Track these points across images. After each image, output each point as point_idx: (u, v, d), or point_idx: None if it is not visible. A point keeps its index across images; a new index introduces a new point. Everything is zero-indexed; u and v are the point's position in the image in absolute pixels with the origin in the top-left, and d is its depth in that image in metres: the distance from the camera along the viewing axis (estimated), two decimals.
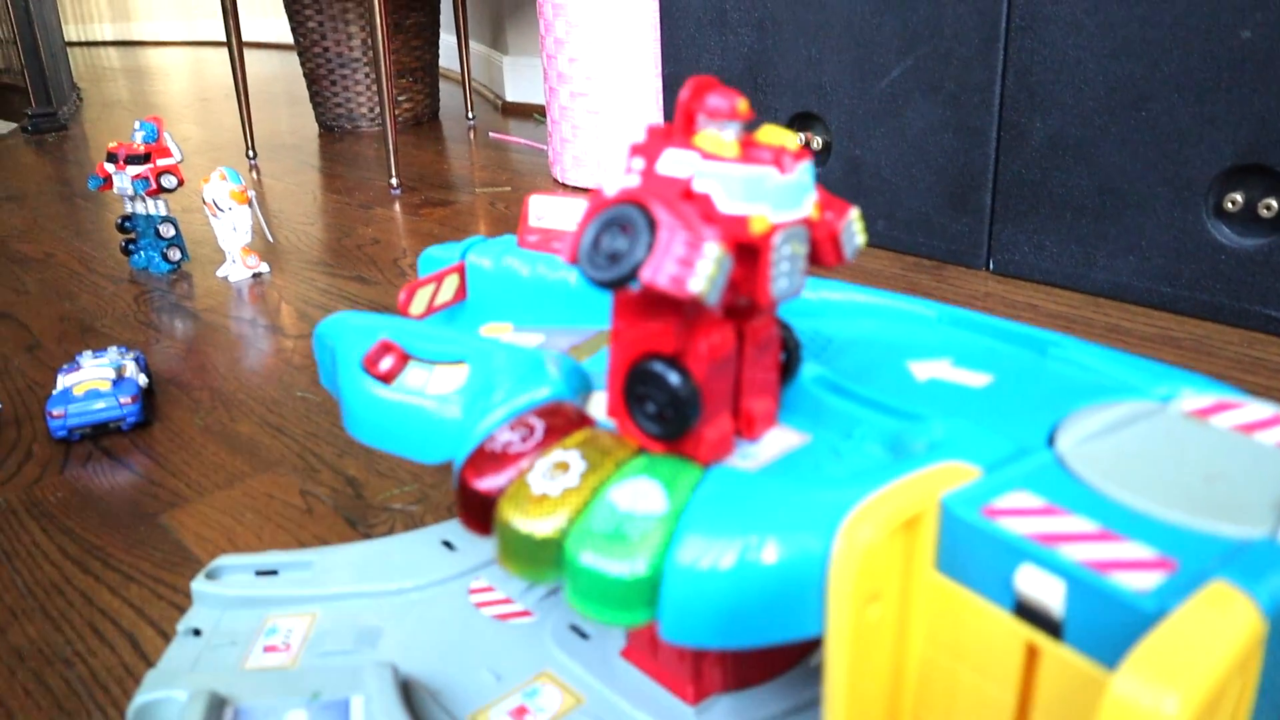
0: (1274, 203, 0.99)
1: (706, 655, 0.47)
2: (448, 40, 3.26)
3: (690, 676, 0.48)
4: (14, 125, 2.75)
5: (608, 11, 1.61)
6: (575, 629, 0.54)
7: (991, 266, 1.26)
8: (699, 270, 0.35)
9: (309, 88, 2.56)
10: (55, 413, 0.85)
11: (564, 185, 1.74)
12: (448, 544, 0.62)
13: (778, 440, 0.43)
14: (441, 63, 3.23)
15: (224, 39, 2.10)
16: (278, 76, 3.66)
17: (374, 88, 2.49)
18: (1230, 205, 1.02)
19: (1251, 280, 1.02)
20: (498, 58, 2.82)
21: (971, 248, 1.27)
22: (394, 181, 1.80)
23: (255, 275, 1.34)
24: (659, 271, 0.36)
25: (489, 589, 0.58)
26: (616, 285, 0.37)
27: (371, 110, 2.52)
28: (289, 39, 2.50)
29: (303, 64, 2.53)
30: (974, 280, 1.22)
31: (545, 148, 1.90)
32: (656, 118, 1.63)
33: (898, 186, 1.34)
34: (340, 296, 1.23)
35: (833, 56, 1.36)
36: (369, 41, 2.42)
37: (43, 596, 0.65)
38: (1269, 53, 0.96)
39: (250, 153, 2.14)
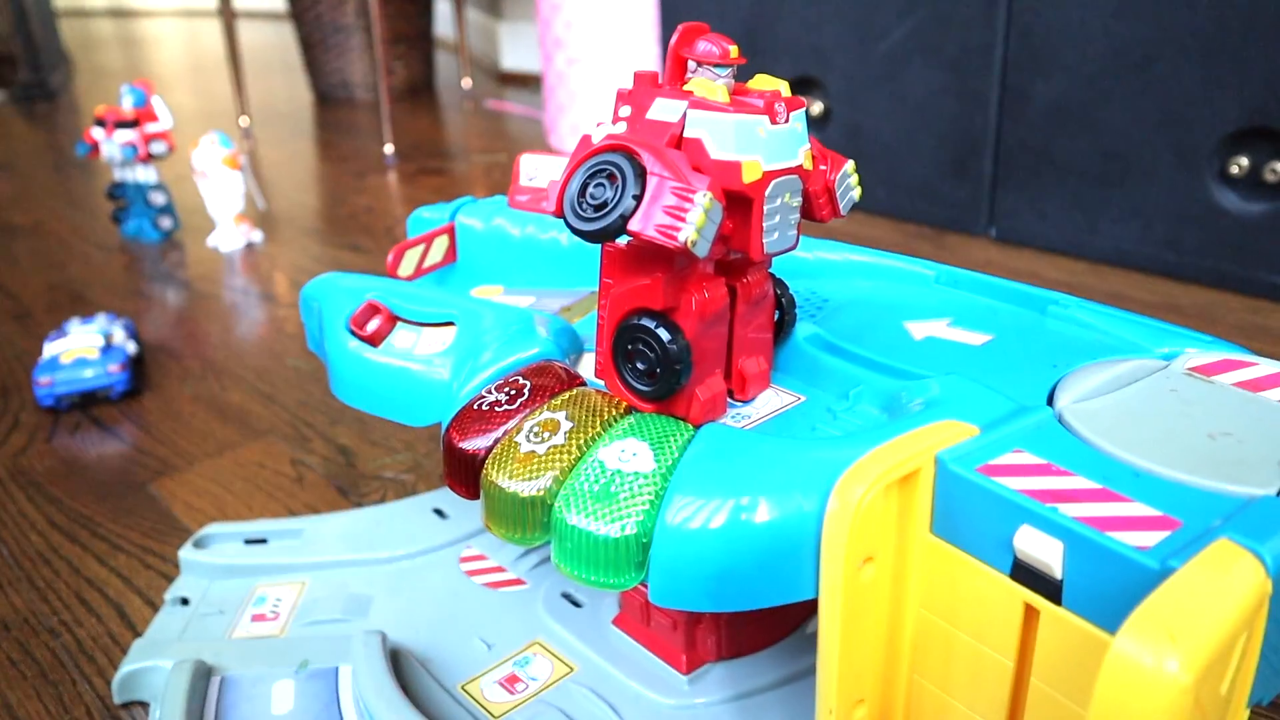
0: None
1: (699, 623, 0.46)
2: (444, 8, 3.23)
3: (683, 645, 0.47)
4: (3, 93, 2.72)
5: None
6: (568, 597, 0.53)
7: (993, 233, 1.24)
8: (689, 219, 0.34)
9: (303, 55, 2.53)
10: (42, 380, 0.84)
11: (561, 154, 1.72)
12: (439, 512, 0.62)
13: (772, 401, 0.42)
14: (438, 30, 3.20)
15: (218, 6, 2.07)
16: (273, 45, 3.63)
17: (368, 55, 2.46)
18: (1236, 169, 1.00)
19: (1257, 246, 1.01)
20: (494, 24, 2.79)
21: (972, 214, 1.26)
22: (388, 149, 1.78)
23: (248, 243, 1.33)
24: (648, 221, 0.35)
25: (481, 557, 0.57)
26: (603, 237, 0.36)
27: (366, 78, 2.49)
28: (284, 6, 2.47)
29: (297, 30, 2.50)
30: (975, 247, 1.21)
31: (541, 115, 1.87)
32: None
33: (898, 152, 1.32)
34: (333, 265, 1.22)
35: (832, 19, 1.34)
36: (363, 7, 2.39)
37: (29, 566, 0.64)
38: (1276, 13, 0.94)
39: (244, 120, 2.12)
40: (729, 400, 0.42)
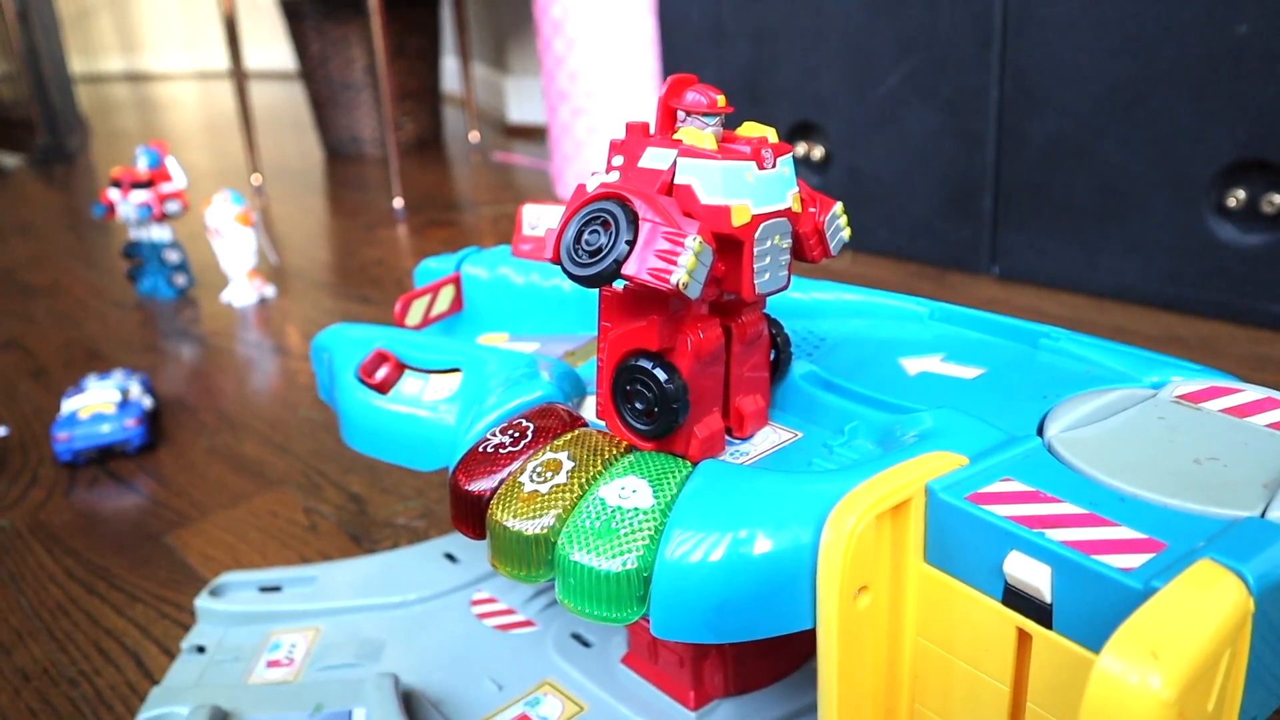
0: (1277, 198, 0.98)
1: (707, 660, 0.47)
2: (451, 63, 3.28)
3: (691, 682, 0.47)
4: (22, 157, 2.77)
5: (606, 27, 1.62)
6: (577, 637, 0.53)
7: (994, 272, 1.25)
8: (680, 263, 0.35)
9: (314, 113, 2.57)
10: (60, 436, 0.85)
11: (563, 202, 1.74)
12: (450, 557, 0.62)
13: (769, 438, 0.43)
14: (445, 85, 3.25)
15: (229, 68, 2.12)
16: (284, 103, 3.69)
17: (377, 111, 2.50)
18: (1233, 202, 1.01)
19: (1257, 277, 1.02)
20: (500, 78, 2.84)
21: (974, 253, 1.27)
22: (398, 203, 1.81)
23: (261, 298, 1.35)
24: (641, 265, 0.36)
25: (491, 600, 0.58)
26: (598, 281, 0.37)
27: (375, 133, 2.53)
28: (294, 66, 2.53)
29: (307, 89, 2.55)
30: (977, 285, 1.22)
31: (548, 166, 1.90)
32: None
33: (899, 194, 1.34)
34: (344, 317, 1.24)
35: (830, 65, 1.36)
36: (371, 65, 2.43)
37: (48, 618, 0.65)
38: (1265, 46, 0.96)
39: (256, 177, 2.15)
40: (727, 438, 0.43)
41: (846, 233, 0.44)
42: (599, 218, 0.37)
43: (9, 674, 0.59)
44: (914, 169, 1.31)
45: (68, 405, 0.89)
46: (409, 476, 0.79)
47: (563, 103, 1.71)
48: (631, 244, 0.36)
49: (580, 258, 0.37)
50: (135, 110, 3.95)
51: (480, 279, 0.62)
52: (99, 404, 0.87)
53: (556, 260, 0.39)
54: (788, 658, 0.49)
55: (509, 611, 0.57)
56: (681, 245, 0.36)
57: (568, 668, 0.51)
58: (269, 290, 1.36)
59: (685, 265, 0.35)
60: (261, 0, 3.96)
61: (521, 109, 2.70)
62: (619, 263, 0.36)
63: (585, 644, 0.53)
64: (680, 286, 0.35)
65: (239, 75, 2.13)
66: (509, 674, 0.52)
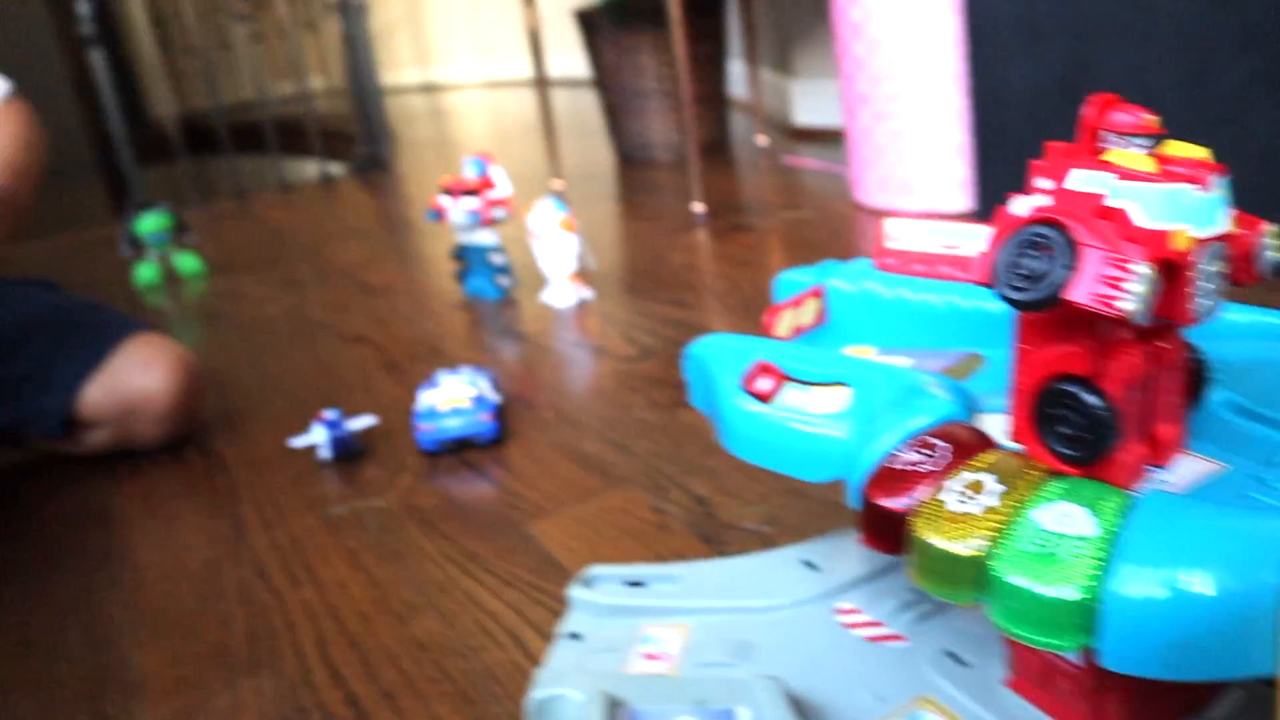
0: None
1: (1109, 694, 0.46)
2: (735, 68, 3.32)
3: (1090, 714, 0.46)
4: (345, 166, 3.04)
5: (907, 30, 1.60)
6: (953, 656, 0.53)
7: None
8: (1129, 289, 0.35)
9: (608, 119, 2.68)
10: (424, 427, 0.93)
11: (868, 209, 1.73)
12: (810, 564, 0.64)
13: (1191, 468, 0.42)
14: (728, 90, 3.29)
15: (519, 77, 2.25)
16: (569, 111, 3.86)
17: (668, 117, 2.57)
18: None
19: None
20: (785, 82, 2.85)
21: None
22: (697, 207, 1.85)
23: (580, 300, 1.41)
24: (1087, 291, 0.36)
25: (856, 610, 0.59)
26: (1038, 306, 0.37)
27: (666, 139, 2.60)
28: (577, 75, 2.66)
29: (602, 96, 2.65)
30: None
31: (844, 171, 1.89)
32: (962, 136, 1.59)
33: (1242, 200, 1.24)
34: (663, 321, 1.28)
35: (1161, 61, 1.28)
36: (660, 73, 2.51)
37: (432, 595, 0.71)
38: None
39: (558, 182, 2.26)
40: (1146, 466, 0.42)
41: (1276, 256, 0.42)
42: (1036, 242, 0.38)
43: (407, 643, 0.66)
44: (1261, 171, 1.21)
45: (425, 398, 0.97)
46: (752, 481, 0.81)
47: (862, 106, 1.69)
48: (1072, 269, 0.36)
49: (1017, 283, 0.38)
50: (430, 119, 4.24)
51: (845, 292, 0.63)
52: (456, 398, 0.95)
53: (986, 283, 0.39)
54: (1195, 698, 0.47)
55: (877, 624, 0.57)
56: (1130, 271, 0.35)
57: (947, 686, 0.51)
58: (587, 293, 1.43)
59: (1136, 291, 0.35)
60: (551, 12, 4.16)
61: (808, 112, 2.70)
62: (1060, 288, 0.36)
63: (962, 663, 0.53)
64: (1131, 314, 0.35)
65: (542, 83, 2.25)
66: (885, 686, 0.52)
